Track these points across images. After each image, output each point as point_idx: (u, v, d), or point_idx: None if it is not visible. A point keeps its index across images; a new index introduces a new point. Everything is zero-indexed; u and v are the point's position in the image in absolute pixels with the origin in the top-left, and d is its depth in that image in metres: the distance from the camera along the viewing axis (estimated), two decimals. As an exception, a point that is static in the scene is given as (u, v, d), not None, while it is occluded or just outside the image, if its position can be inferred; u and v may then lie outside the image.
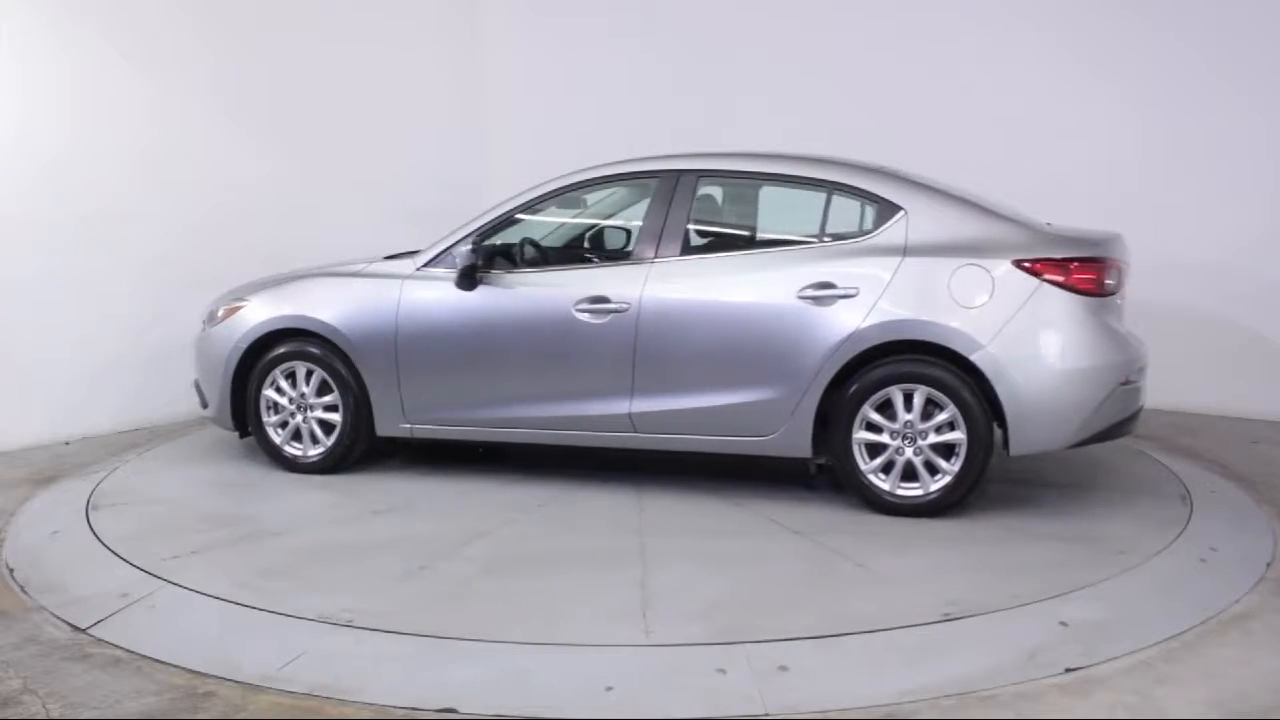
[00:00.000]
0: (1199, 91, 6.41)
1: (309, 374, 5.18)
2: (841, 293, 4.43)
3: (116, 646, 3.39)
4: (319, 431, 5.22)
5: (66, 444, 6.02)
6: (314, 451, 5.23)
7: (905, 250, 4.43)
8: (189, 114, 6.59)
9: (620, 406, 4.73)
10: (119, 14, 6.22)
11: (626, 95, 8.20)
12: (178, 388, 6.47)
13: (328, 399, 5.18)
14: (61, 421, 6.07)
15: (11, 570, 4.10)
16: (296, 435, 5.26)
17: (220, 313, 5.40)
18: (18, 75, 5.82)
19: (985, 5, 6.99)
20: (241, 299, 5.36)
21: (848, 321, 4.41)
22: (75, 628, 3.54)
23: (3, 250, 5.80)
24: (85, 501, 4.81)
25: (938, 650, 3.25)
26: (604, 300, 4.71)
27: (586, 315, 4.73)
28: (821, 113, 7.39)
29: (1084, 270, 4.31)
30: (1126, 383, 4.39)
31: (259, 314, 5.24)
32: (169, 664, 3.25)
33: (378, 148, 7.74)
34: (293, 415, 5.24)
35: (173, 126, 6.50)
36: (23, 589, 3.91)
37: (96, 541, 4.28)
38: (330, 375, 5.14)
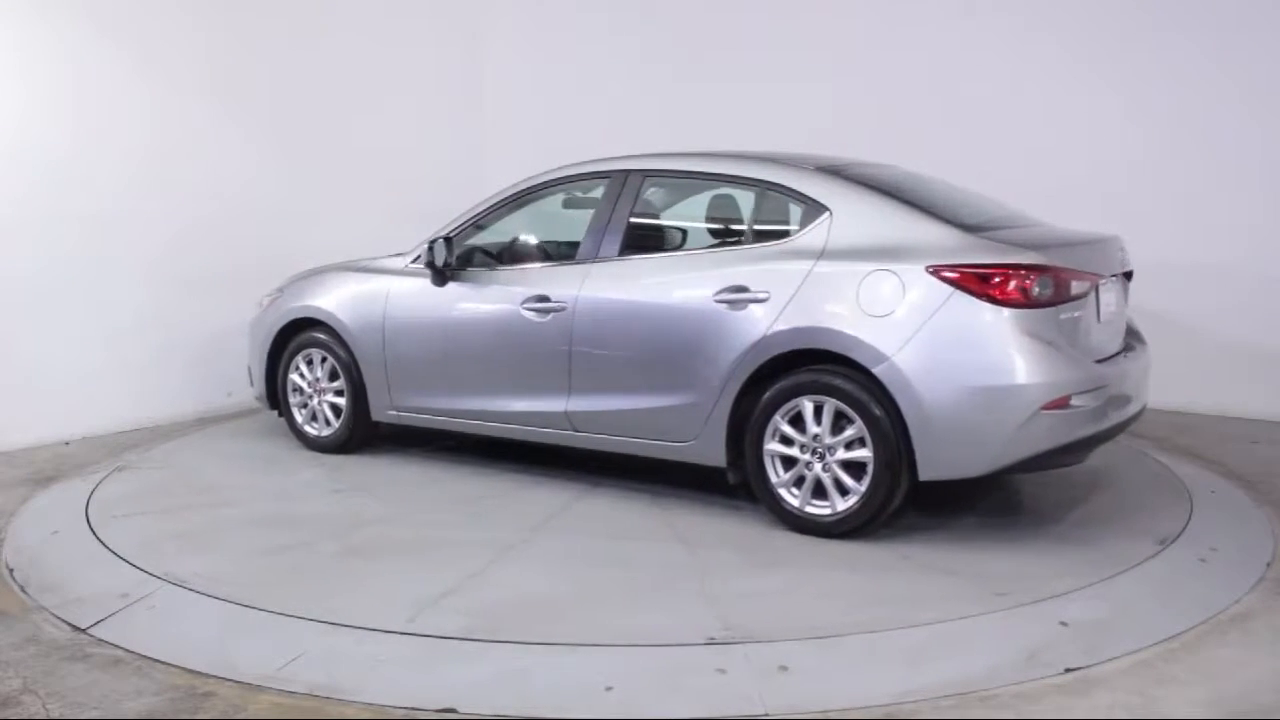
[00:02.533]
0: (1200, 92, 6.40)
1: (323, 360, 5.58)
2: (753, 297, 4.25)
3: (116, 646, 3.39)
4: (329, 414, 5.61)
5: (66, 444, 6.02)
6: (326, 432, 5.64)
7: (822, 254, 4.18)
8: (189, 114, 6.59)
9: (559, 404, 4.78)
10: (119, 14, 6.23)
11: (626, 95, 8.21)
12: (179, 387, 6.52)
13: (337, 384, 5.56)
14: (61, 421, 6.07)
15: (11, 570, 4.11)
16: (314, 416, 5.66)
17: (265, 301, 5.90)
18: (18, 75, 5.82)
19: (989, 7, 6.99)
20: (280, 290, 5.83)
21: (756, 327, 4.22)
22: (75, 628, 3.55)
23: (3, 251, 5.80)
24: (85, 501, 4.81)
25: (938, 650, 3.25)
26: (545, 299, 4.78)
27: (532, 314, 4.81)
28: (824, 112, 7.38)
29: (1005, 279, 3.88)
30: (1061, 405, 3.88)
31: (285, 305, 5.70)
32: (169, 664, 3.26)
33: (377, 147, 7.75)
34: (310, 398, 5.66)
35: (173, 126, 6.51)
36: (23, 589, 3.92)
37: (96, 541, 4.28)
38: (337, 362, 5.52)
